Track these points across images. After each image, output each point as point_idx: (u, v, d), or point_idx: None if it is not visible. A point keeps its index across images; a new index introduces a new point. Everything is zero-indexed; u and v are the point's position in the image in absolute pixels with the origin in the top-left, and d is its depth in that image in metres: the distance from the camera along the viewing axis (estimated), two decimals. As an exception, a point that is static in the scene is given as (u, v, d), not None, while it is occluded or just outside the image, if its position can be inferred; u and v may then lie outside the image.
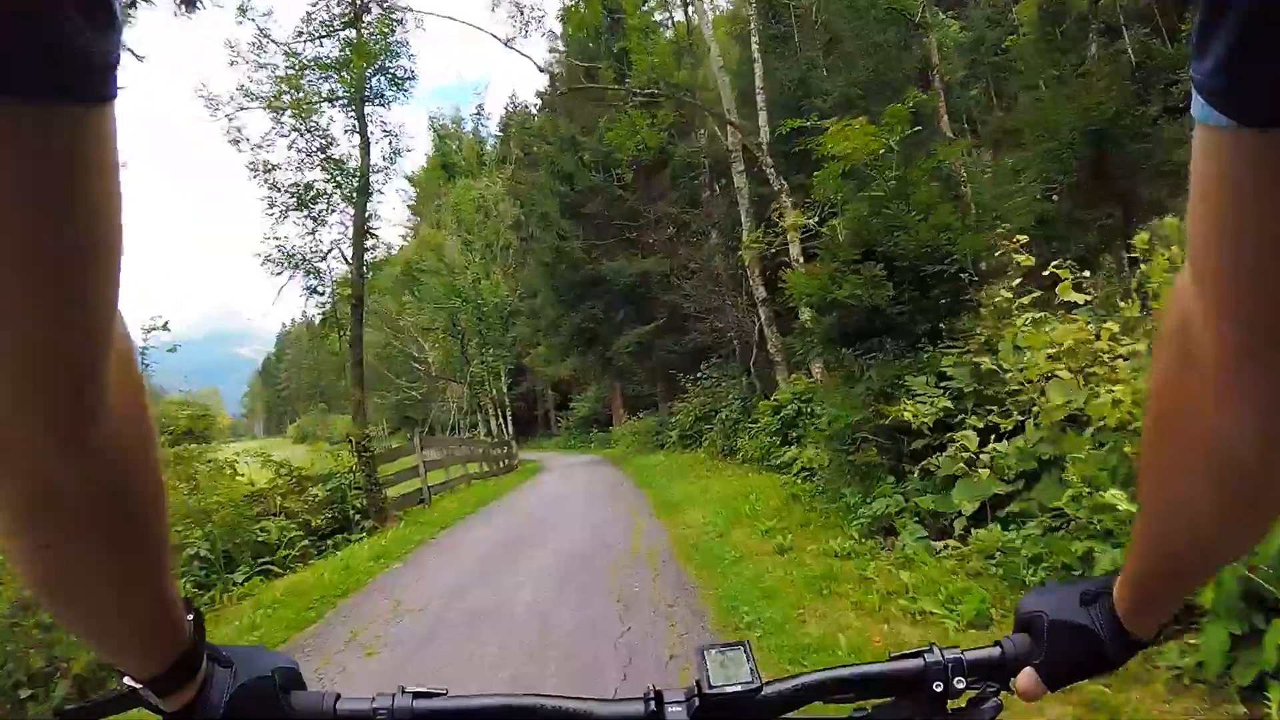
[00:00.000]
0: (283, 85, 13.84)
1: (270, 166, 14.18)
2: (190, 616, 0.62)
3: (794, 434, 11.32)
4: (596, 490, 14.33)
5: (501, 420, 40.63)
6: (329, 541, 10.27)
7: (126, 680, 0.60)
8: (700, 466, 14.91)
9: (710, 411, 17.36)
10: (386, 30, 14.19)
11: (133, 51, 10.37)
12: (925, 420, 5.95)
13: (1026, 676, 0.74)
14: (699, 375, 19.37)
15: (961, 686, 0.73)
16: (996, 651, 0.75)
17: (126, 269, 0.39)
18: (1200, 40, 0.32)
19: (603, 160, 24.21)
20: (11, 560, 0.49)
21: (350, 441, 12.59)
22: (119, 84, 0.33)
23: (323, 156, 14.06)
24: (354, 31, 13.89)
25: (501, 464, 23.50)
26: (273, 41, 13.88)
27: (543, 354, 35.07)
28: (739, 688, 0.69)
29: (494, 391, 38.05)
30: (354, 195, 13.79)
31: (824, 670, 0.75)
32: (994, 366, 5.75)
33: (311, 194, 14.14)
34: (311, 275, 14.50)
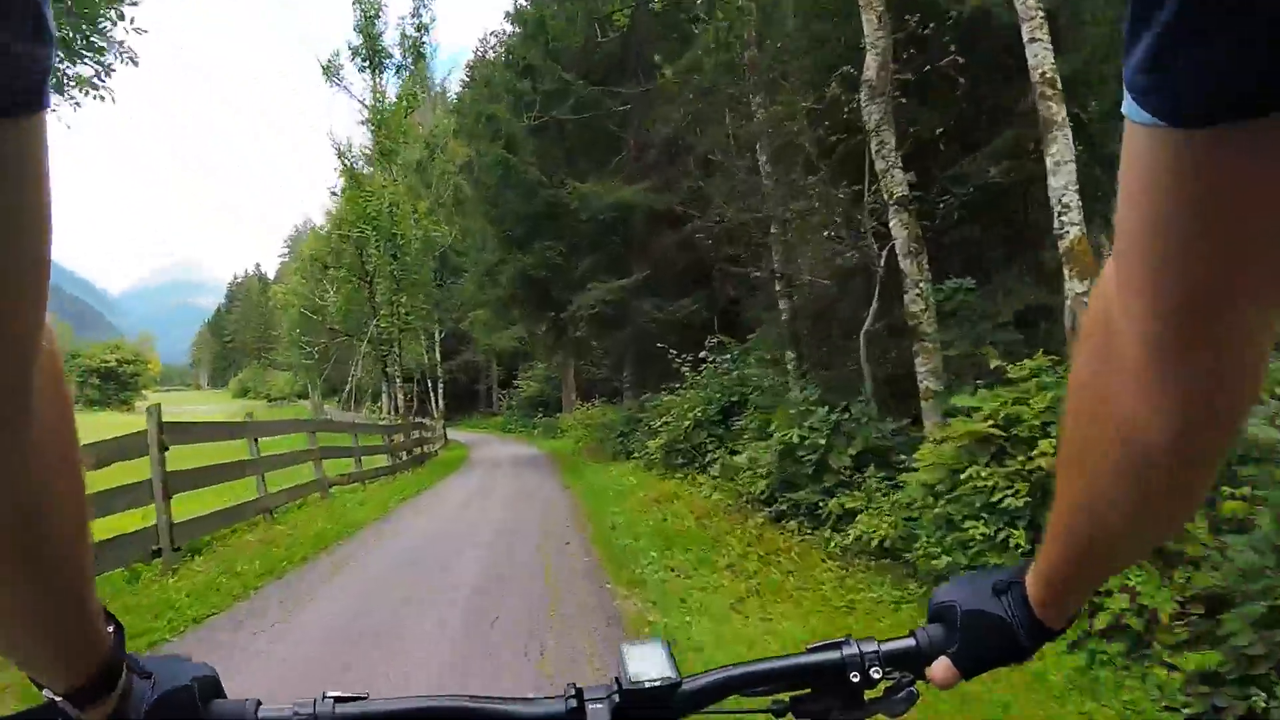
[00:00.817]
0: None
1: None
2: (110, 628, 0.61)
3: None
4: (519, 539, 7.81)
5: (432, 395, 33.55)
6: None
7: (45, 692, 0.59)
8: (719, 518, 8.18)
9: (753, 424, 9.47)
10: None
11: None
12: None
13: (941, 666, 0.75)
14: (706, 356, 12.95)
15: (878, 677, 0.74)
16: (911, 642, 0.76)
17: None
18: (1130, 39, 0.33)
19: (580, 55, 17.44)
20: None
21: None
22: (48, 95, 0.33)
23: None
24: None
25: (406, 455, 17.14)
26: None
27: (482, 319, 28.16)
28: (659, 682, 0.70)
29: (412, 357, 30.71)
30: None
31: (742, 664, 0.76)
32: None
33: None
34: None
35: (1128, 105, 0.36)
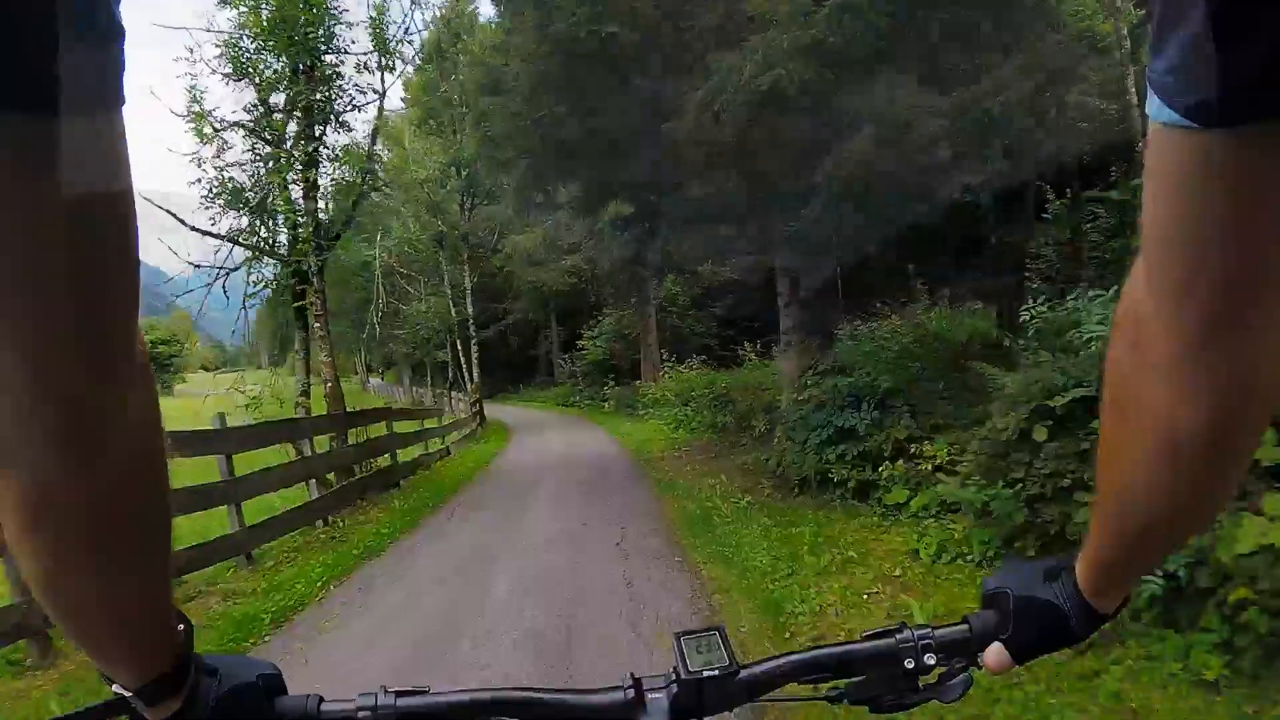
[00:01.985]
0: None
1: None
2: (181, 626, 0.63)
3: None
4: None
5: (459, 365, 25.09)
6: None
7: (115, 688, 0.60)
8: None
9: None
10: None
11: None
12: None
13: (994, 652, 0.76)
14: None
15: (932, 663, 0.74)
16: (965, 629, 0.76)
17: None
18: (1157, 41, 0.34)
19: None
20: (17, 562, 0.50)
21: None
22: (123, 92, 0.34)
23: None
24: None
25: (339, 483, 8.67)
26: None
27: (526, 246, 19.43)
28: (716, 671, 0.70)
29: (436, 315, 22.74)
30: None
31: (798, 652, 0.77)
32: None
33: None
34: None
35: (1153, 106, 0.36)
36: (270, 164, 9.95)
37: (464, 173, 20.91)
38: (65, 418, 0.40)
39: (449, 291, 23.32)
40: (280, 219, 9.98)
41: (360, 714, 0.68)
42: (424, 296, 24.07)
